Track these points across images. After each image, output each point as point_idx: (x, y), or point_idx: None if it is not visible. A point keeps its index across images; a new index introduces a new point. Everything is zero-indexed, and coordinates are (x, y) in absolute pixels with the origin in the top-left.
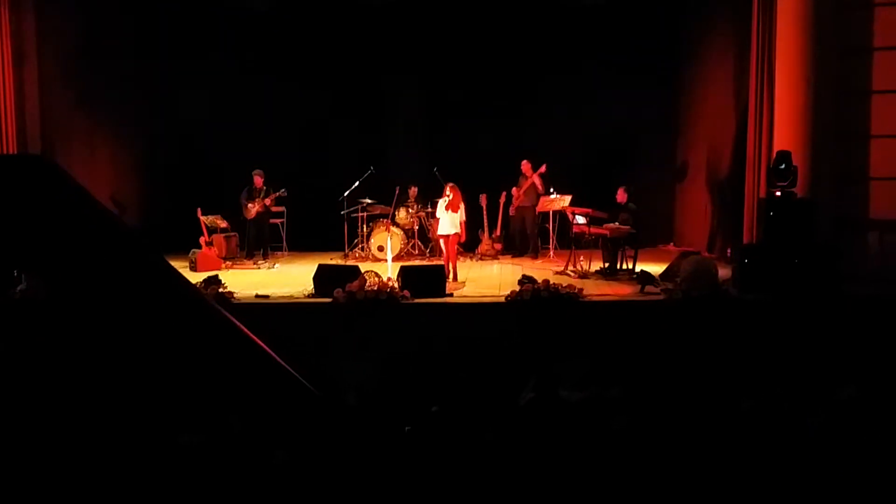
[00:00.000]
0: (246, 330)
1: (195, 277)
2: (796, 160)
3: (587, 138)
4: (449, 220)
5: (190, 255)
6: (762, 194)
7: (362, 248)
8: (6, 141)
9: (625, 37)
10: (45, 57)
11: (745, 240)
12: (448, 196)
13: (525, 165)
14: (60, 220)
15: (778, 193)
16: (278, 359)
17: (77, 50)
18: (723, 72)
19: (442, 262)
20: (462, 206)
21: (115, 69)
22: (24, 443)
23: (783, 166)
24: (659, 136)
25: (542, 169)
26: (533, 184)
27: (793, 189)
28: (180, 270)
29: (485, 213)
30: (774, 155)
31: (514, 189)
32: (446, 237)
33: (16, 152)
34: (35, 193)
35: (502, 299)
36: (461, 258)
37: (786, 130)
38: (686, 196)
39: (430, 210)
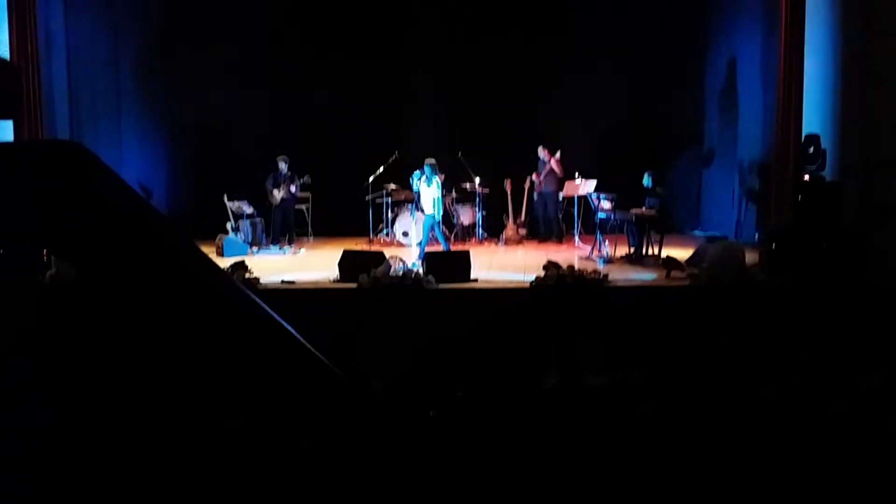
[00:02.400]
0: (274, 315)
1: (222, 263)
2: (825, 144)
3: (613, 122)
4: (425, 198)
5: (216, 240)
6: (790, 178)
7: (387, 234)
8: (36, 125)
9: (651, 18)
10: (73, 42)
11: (773, 224)
12: (424, 173)
13: (542, 151)
14: (93, 205)
15: (806, 177)
16: (306, 344)
17: (105, 36)
18: (750, 54)
19: (467, 249)
20: (437, 180)
21: (142, 54)
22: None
23: (811, 150)
24: (685, 120)
25: (557, 155)
26: (552, 169)
27: (821, 173)
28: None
29: (510, 198)
30: (803, 138)
31: (534, 175)
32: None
33: (45, 137)
34: (68, 178)
35: (527, 285)
36: (486, 243)
37: (814, 114)
38: (713, 180)
39: (455, 196)
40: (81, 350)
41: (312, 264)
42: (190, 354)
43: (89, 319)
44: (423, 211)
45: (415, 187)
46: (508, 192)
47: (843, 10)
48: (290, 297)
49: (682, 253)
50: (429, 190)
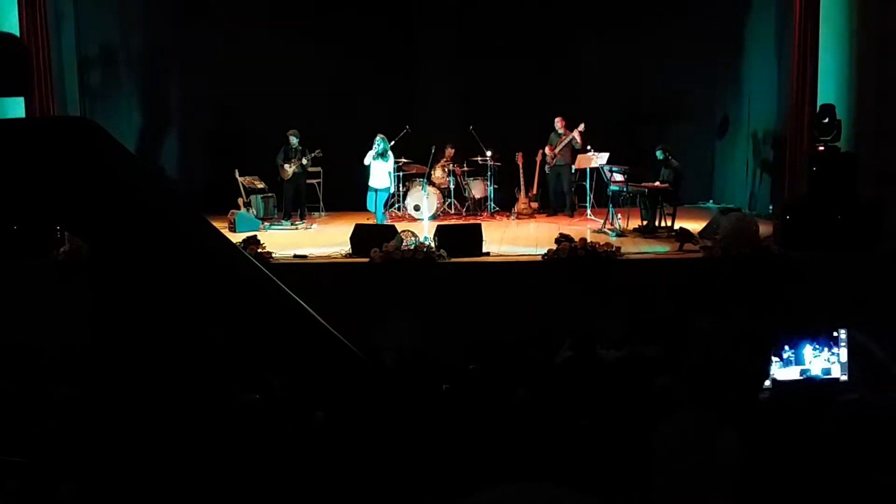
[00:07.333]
0: (286, 289)
1: (234, 238)
2: (840, 114)
3: (625, 94)
4: (379, 172)
5: (228, 215)
6: (805, 149)
7: (398, 208)
8: (47, 103)
9: None
10: (82, 21)
11: (788, 196)
12: (377, 146)
13: (559, 122)
14: (105, 181)
15: (821, 148)
16: (318, 318)
17: (114, 14)
18: (765, 24)
19: (479, 222)
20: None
21: (152, 31)
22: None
23: (826, 120)
24: (698, 91)
25: (581, 127)
26: (569, 141)
27: (836, 144)
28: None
29: (521, 171)
30: (818, 109)
31: (547, 148)
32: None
33: (56, 115)
34: (79, 154)
35: (539, 258)
36: (498, 217)
37: (829, 84)
38: (726, 152)
39: (466, 169)
40: (99, 326)
41: (324, 238)
42: (201, 328)
43: (104, 295)
44: (375, 188)
45: (367, 161)
46: (520, 166)
47: None
48: (303, 271)
49: (695, 225)
50: (385, 164)
